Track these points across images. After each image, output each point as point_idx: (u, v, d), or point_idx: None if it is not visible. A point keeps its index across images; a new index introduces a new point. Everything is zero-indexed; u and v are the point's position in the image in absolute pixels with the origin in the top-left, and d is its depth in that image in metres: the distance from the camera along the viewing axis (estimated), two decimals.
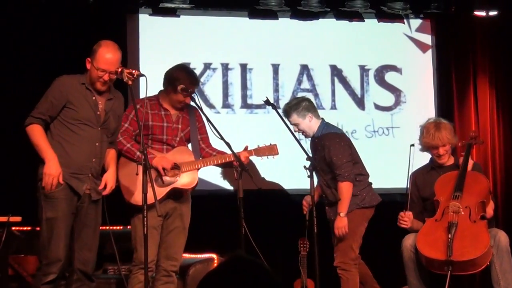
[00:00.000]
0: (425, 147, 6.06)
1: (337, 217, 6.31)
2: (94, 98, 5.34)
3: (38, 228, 6.54)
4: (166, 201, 5.69)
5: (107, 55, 5.28)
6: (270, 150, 5.91)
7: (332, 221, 6.44)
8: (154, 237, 5.65)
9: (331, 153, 6.31)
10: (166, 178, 5.64)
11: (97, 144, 5.34)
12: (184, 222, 5.80)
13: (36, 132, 5.23)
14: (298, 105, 6.46)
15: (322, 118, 6.57)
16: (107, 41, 5.37)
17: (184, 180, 5.69)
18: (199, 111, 5.76)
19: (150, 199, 5.01)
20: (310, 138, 6.60)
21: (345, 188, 6.30)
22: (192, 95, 5.66)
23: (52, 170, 5.15)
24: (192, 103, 5.72)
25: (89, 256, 5.36)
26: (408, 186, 6.03)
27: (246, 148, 5.83)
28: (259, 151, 5.88)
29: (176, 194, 5.74)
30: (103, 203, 5.38)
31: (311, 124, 6.48)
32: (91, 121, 5.32)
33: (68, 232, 5.23)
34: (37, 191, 5.25)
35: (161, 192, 5.60)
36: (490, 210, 5.93)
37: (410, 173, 6.02)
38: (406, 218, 5.86)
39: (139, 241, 5.55)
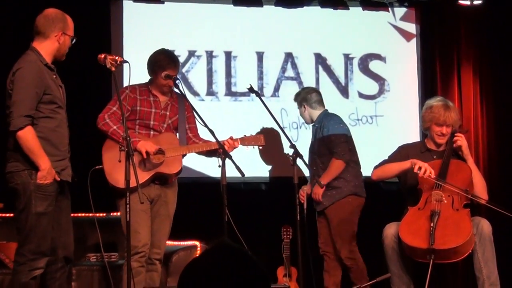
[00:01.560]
0: (430, 122, 6.03)
1: (315, 185, 6.46)
2: (54, 76, 5.18)
3: (9, 215, 6.49)
4: (151, 186, 5.69)
5: (72, 21, 5.25)
6: (256, 140, 5.89)
7: (322, 208, 6.53)
8: (145, 220, 5.65)
9: (330, 132, 6.61)
10: (150, 162, 5.62)
11: (67, 125, 5.23)
12: (169, 210, 5.80)
13: (30, 137, 4.94)
14: (299, 96, 6.93)
15: (326, 109, 6.89)
16: (57, 9, 5.23)
17: (168, 165, 5.68)
18: (186, 99, 5.79)
19: (133, 184, 4.99)
20: (312, 126, 6.90)
21: (336, 165, 6.54)
22: (176, 82, 5.65)
23: (49, 177, 4.98)
24: (175, 90, 5.72)
25: (69, 240, 5.25)
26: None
27: (231, 138, 5.82)
28: (245, 141, 5.86)
29: (161, 179, 5.73)
30: (88, 191, 5.29)
31: (305, 114, 6.86)
32: (61, 102, 5.17)
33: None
34: (20, 180, 5.00)
35: (144, 176, 5.59)
36: (484, 193, 5.96)
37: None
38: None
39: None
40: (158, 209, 5.76)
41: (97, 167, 5.47)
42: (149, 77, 5.91)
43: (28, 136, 4.94)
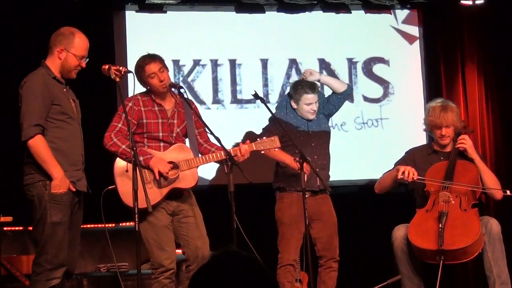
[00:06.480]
0: (429, 126, 6.05)
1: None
2: (65, 90, 5.22)
3: (30, 228, 6.51)
4: (166, 202, 5.53)
5: (85, 42, 5.25)
6: (272, 143, 5.68)
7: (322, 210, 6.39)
8: (169, 235, 5.53)
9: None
10: (165, 179, 5.47)
11: (81, 137, 5.27)
12: (196, 212, 5.64)
13: (41, 146, 5.00)
14: (317, 87, 6.57)
15: None
16: (73, 28, 5.28)
17: (183, 179, 5.53)
18: (194, 104, 5.76)
19: (143, 204, 4.94)
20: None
21: None
22: (181, 90, 5.60)
23: (63, 186, 5.02)
24: (174, 90, 5.63)
25: (75, 255, 5.27)
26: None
27: (247, 142, 5.65)
28: (259, 144, 5.66)
29: (176, 194, 5.57)
30: (100, 202, 5.31)
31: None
32: (73, 114, 5.21)
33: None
34: (35, 192, 5.06)
35: (159, 194, 5.47)
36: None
37: None
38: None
39: (153, 243, 5.46)
40: (182, 217, 5.60)
41: (109, 187, 5.43)
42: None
43: (38, 145, 5.01)
